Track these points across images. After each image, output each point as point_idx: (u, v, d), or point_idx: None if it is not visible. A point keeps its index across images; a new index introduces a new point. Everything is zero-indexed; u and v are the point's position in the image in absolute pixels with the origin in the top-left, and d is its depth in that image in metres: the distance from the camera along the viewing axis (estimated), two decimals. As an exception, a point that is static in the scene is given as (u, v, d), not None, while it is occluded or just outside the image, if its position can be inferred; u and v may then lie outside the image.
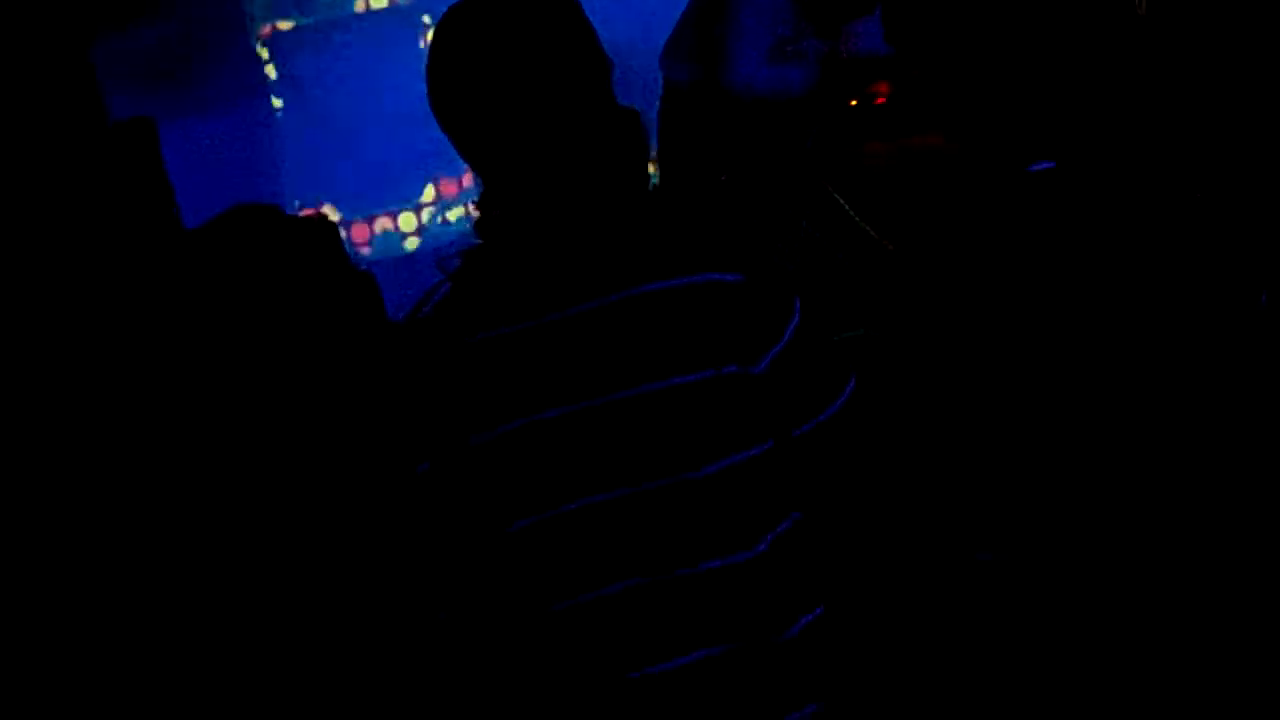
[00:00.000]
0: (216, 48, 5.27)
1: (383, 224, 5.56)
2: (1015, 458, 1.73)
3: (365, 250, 5.47)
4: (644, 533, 1.57)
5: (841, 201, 3.57)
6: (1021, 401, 1.74)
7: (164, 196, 2.46)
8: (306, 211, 4.30)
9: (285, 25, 5.45)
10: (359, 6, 5.49)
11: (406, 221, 5.54)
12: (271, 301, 2.13)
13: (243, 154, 5.25)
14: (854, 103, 4.04)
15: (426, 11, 5.48)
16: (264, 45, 5.42)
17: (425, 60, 1.63)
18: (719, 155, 4.05)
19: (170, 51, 5.20)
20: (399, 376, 1.64)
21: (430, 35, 1.69)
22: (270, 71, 5.43)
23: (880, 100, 4.04)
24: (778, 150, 3.97)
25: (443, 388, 1.60)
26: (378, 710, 1.94)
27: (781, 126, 4.03)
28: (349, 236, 5.35)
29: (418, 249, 5.46)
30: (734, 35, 4.08)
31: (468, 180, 5.49)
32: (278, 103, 5.43)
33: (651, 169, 4.46)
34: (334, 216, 5.37)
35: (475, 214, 1.68)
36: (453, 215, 5.55)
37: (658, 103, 4.32)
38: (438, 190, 5.50)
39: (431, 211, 5.54)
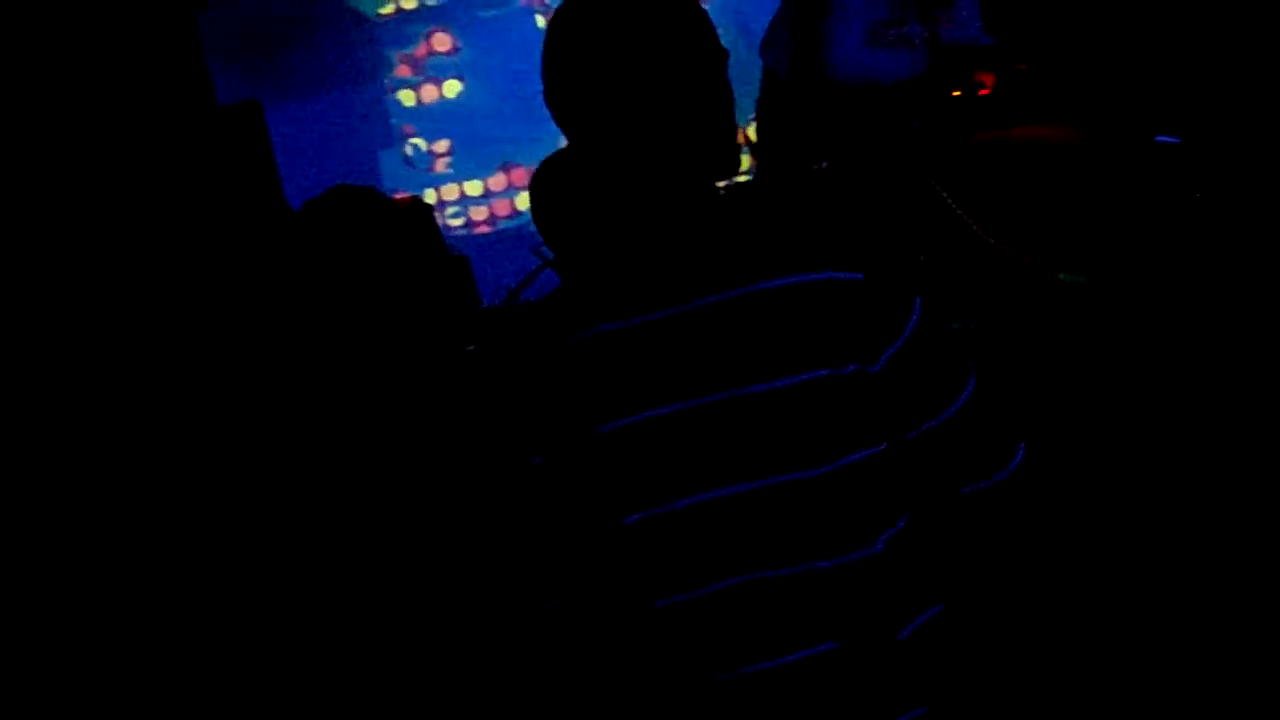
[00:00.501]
0: (322, 27, 5.32)
1: (480, 209, 5.59)
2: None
3: (458, 231, 5.50)
4: (757, 530, 1.56)
5: (944, 194, 3.52)
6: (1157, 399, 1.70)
7: (271, 179, 2.48)
8: (401, 195, 4.32)
9: (386, 11, 5.49)
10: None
11: (522, 201, 5.56)
12: (370, 283, 2.14)
13: (341, 134, 5.30)
14: (958, 94, 3.98)
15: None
16: (370, 27, 5.46)
17: (541, 48, 1.63)
18: (818, 145, 4.02)
19: (276, 28, 5.25)
20: (514, 367, 1.63)
21: (546, 22, 1.68)
22: (375, 54, 5.47)
23: (985, 92, 3.98)
24: (879, 140, 3.93)
25: (559, 380, 1.59)
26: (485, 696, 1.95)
27: (883, 115, 3.99)
28: (442, 220, 5.39)
29: (495, 232, 5.48)
30: (833, 20, 4.04)
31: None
32: (379, 86, 5.47)
33: (746, 162, 4.45)
34: (430, 199, 5.43)
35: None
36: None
37: (757, 93, 4.30)
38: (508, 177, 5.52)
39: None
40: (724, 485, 1.56)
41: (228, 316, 2.28)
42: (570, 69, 1.58)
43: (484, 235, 5.49)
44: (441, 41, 5.50)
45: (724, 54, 1.62)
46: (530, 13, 5.50)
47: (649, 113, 1.56)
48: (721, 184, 1.64)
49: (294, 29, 5.32)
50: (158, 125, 2.55)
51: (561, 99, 1.60)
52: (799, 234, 1.61)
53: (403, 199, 2.48)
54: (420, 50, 5.50)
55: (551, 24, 1.61)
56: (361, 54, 5.45)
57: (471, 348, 2.07)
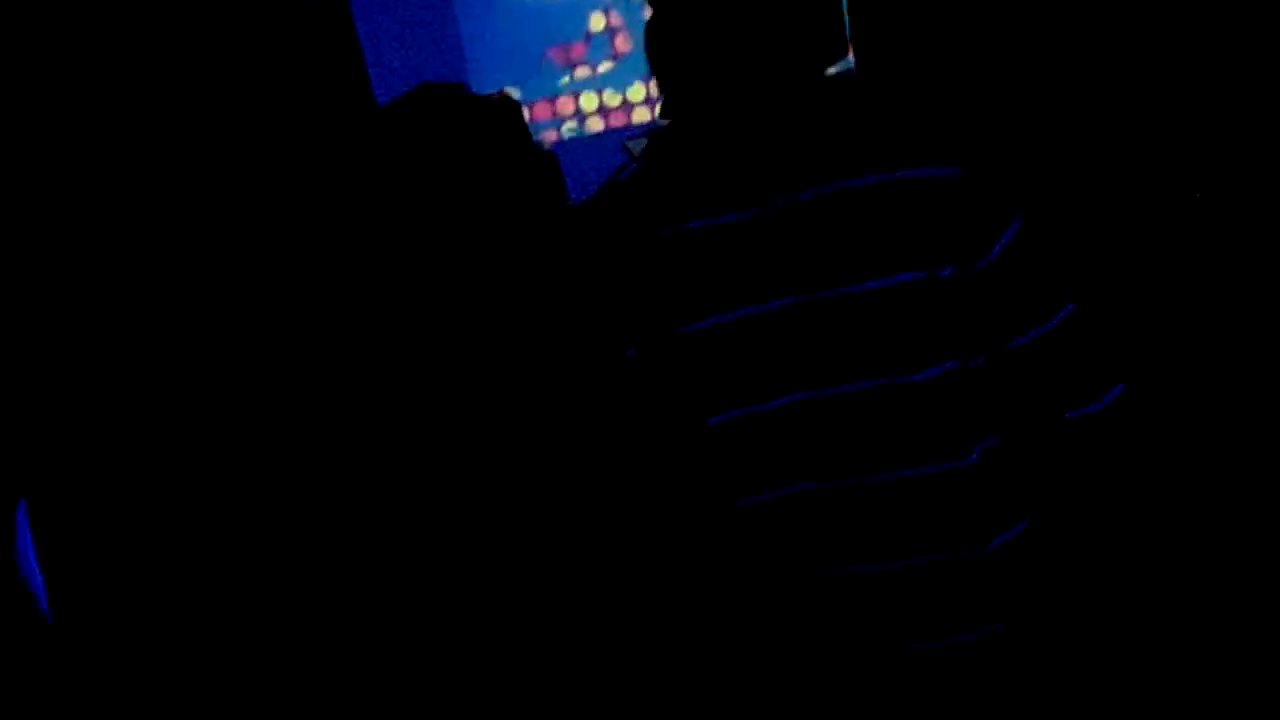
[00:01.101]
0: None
1: (564, 104, 5.55)
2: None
3: (549, 134, 5.47)
4: (848, 434, 1.53)
5: None
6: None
7: (359, 78, 2.47)
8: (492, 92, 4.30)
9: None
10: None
11: (588, 101, 5.52)
12: (460, 181, 2.14)
13: (428, 31, 5.28)
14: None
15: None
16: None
17: None
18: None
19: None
20: (605, 261, 1.62)
21: None
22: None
23: None
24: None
25: (651, 275, 1.58)
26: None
27: None
28: (531, 116, 5.36)
29: (602, 130, 5.46)
30: None
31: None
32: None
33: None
34: (516, 95, 5.40)
35: (660, 97, 1.63)
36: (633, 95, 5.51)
37: None
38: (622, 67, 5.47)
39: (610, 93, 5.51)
40: (817, 387, 1.53)
41: (318, 220, 2.29)
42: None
43: (579, 138, 5.47)
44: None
45: None
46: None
47: (739, 8, 1.53)
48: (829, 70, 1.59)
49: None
50: (245, 24, 2.55)
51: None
52: (895, 128, 1.55)
53: (492, 95, 2.47)
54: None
55: None
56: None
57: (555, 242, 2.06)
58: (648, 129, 4.92)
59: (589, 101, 5.50)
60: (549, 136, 5.38)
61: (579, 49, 5.45)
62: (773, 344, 1.54)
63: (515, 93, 5.38)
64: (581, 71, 5.44)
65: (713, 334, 1.55)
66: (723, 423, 1.55)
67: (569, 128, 5.49)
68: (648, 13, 1.69)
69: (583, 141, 5.39)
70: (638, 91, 5.52)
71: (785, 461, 1.54)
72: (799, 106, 1.55)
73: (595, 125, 5.52)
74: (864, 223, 1.51)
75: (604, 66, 5.41)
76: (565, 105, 5.57)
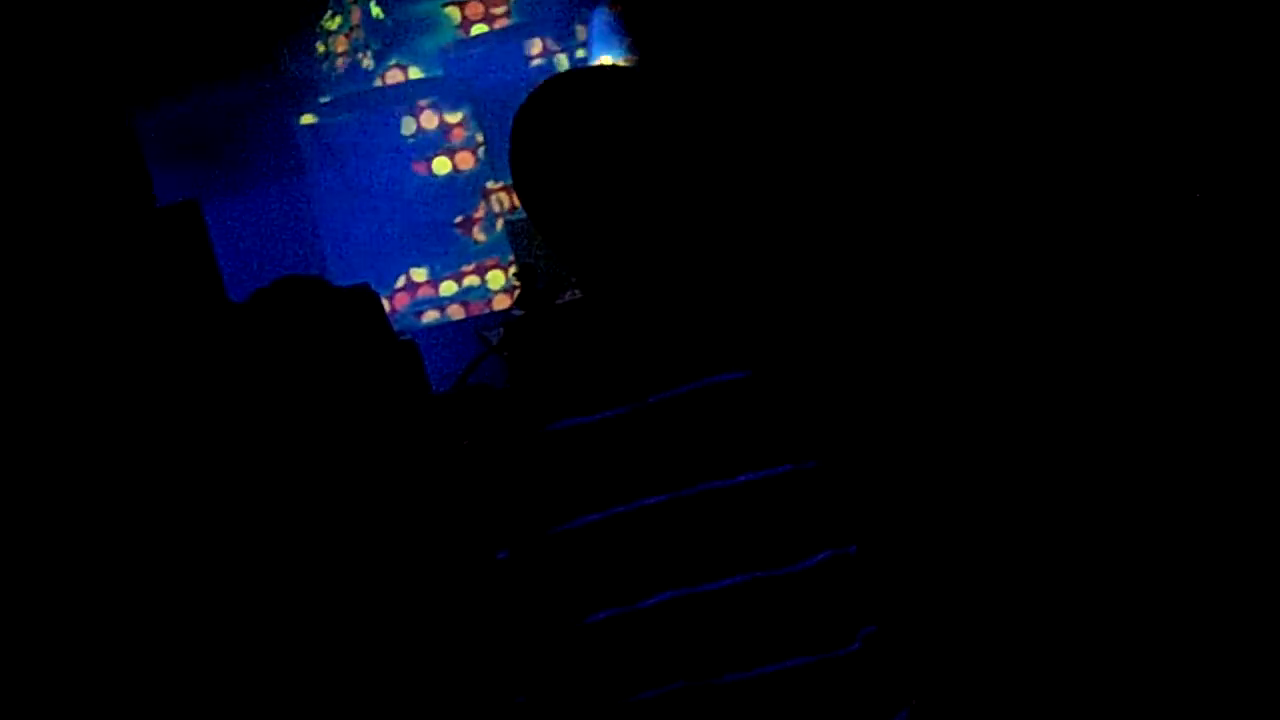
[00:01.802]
0: (256, 124, 5.34)
1: (424, 292, 5.60)
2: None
3: (403, 318, 5.50)
4: (723, 631, 1.52)
5: None
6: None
7: (212, 277, 2.49)
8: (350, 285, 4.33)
9: (323, 102, 5.53)
10: (387, 79, 5.56)
11: (447, 288, 5.58)
12: (320, 372, 2.14)
13: (284, 228, 5.31)
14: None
15: (461, 84, 5.56)
16: (304, 122, 5.49)
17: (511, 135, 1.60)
18: None
19: (213, 126, 5.27)
20: (480, 456, 1.61)
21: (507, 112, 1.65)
22: (311, 148, 5.50)
23: None
24: None
25: (524, 473, 1.56)
26: None
27: None
28: (391, 306, 5.40)
29: (441, 319, 5.50)
30: None
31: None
32: (319, 178, 5.49)
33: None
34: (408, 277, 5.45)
35: (516, 285, 1.66)
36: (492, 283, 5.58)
37: None
38: (478, 259, 5.55)
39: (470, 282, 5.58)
40: (687, 585, 1.52)
41: (178, 415, 2.27)
42: (531, 166, 1.56)
43: (449, 321, 5.50)
44: (408, 124, 5.55)
45: (699, 145, 1.59)
46: (473, 100, 5.56)
47: (613, 209, 1.53)
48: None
49: (243, 122, 5.35)
50: (97, 230, 2.57)
51: (526, 197, 1.58)
52: (762, 324, 1.60)
53: (350, 288, 2.49)
54: (387, 135, 5.56)
55: (520, 113, 1.58)
56: (317, 142, 5.49)
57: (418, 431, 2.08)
58: (502, 319, 4.98)
59: (448, 289, 5.56)
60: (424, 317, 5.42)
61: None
62: (644, 542, 1.53)
63: (399, 283, 5.42)
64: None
65: (585, 534, 1.54)
66: (598, 623, 1.53)
67: (430, 316, 5.53)
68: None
69: (443, 329, 5.42)
70: (496, 279, 5.60)
71: (662, 660, 1.52)
72: (669, 298, 1.57)
73: (456, 313, 5.57)
74: (729, 418, 1.52)
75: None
76: (425, 293, 5.62)
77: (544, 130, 1.55)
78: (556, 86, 1.58)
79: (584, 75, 1.64)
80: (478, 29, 5.63)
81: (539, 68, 5.57)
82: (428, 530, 2.06)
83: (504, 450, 1.56)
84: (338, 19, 5.41)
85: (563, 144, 1.53)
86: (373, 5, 5.48)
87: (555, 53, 5.63)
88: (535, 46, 5.60)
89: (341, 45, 5.48)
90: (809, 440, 1.54)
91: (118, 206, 2.60)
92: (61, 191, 2.53)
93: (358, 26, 5.52)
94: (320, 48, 5.43)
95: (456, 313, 5.52)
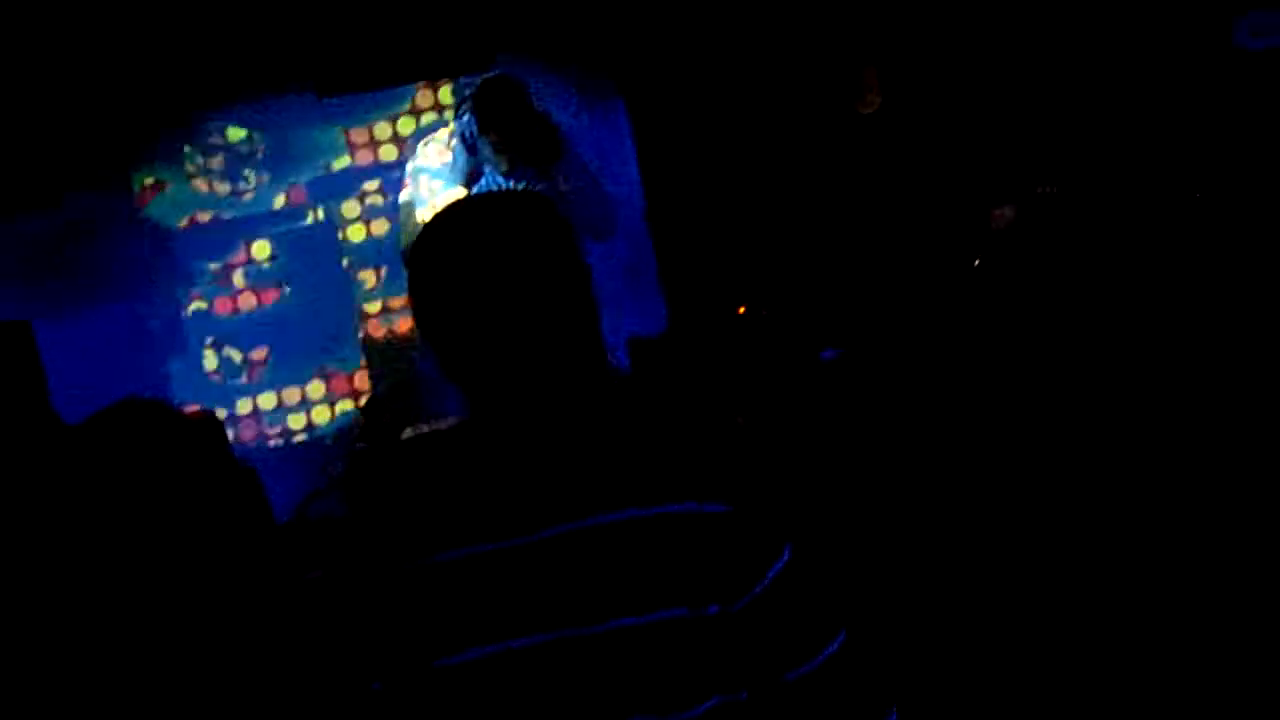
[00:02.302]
0: (104, 241, 5.27)
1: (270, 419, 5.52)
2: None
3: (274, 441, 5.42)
4: None
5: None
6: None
7: (39, 397, 2.43)
8: (192, 408, 4.25)
9: (185, 221, 5.47)
10: (268, 205, 5.54)
11: (295, 420, 5.51)
12: (156, 499, 2.09)
13: (128, 348, 5.21)
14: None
15: (327, 213, 5.57)
16: (153, 239, 5.43)
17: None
18: None
19: (58, 243, 5.19)
20: (350, 591, 1.55)
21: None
22: (174, 263, 5.44)
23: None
24: None
25: (403, 606, 1.50)
26: None
27: None
28: (235, 433, 5.30)
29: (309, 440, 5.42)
30: None
31: (359, 380, 5.51)
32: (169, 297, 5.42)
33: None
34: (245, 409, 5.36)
35: (361, 417, 1.63)
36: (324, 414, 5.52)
37: None
38: (327, 385, 5.49)
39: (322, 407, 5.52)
40: None
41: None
42: (436, 288, 1.55)
43: (298, 444, 5.41)
44: (259, 249, 5.52)
45: (588, 269, 1.59)
46: (332, 227, 5.56)
47: (515, 333, 1.52)
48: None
49: (87, 238, 5.27)
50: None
51: (428, 316, 1.56)
52: (661, 457, 1.55)
53: (193, 412, 2.45)
54: (232, 259, 5.51)
55: (419, 240, 1.58)
56: (161, 263, 5.42)
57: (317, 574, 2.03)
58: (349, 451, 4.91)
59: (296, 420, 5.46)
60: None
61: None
62: (534, 678, 1.48)
63: (221, 412, 5.32)
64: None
65: (468, 669, 1.48)
66: None
67: (275, 440, 5.44)
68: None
69: (290, 451, 5.32)
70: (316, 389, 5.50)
71: None
72: (566, 434, 1.54)
73: (301, 437, 5.48)
74: (628, 557, 1.48)
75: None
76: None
77: (444, 255, 1.55)
78: (457, 212, 1.60)
79: (484, 201, 1.69)
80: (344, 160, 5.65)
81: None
82: (275, 664, 2.00)
83: (383, 581, 1.52)
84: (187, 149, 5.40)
85: (461, 268, 1.53)
86: (230, 130, 5.47)
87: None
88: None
89: (195, 168, 5.45)
90: (703, 585, 1.49)
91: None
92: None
93: (219, 150, 5.50)
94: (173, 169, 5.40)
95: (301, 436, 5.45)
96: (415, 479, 1.58)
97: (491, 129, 4.46)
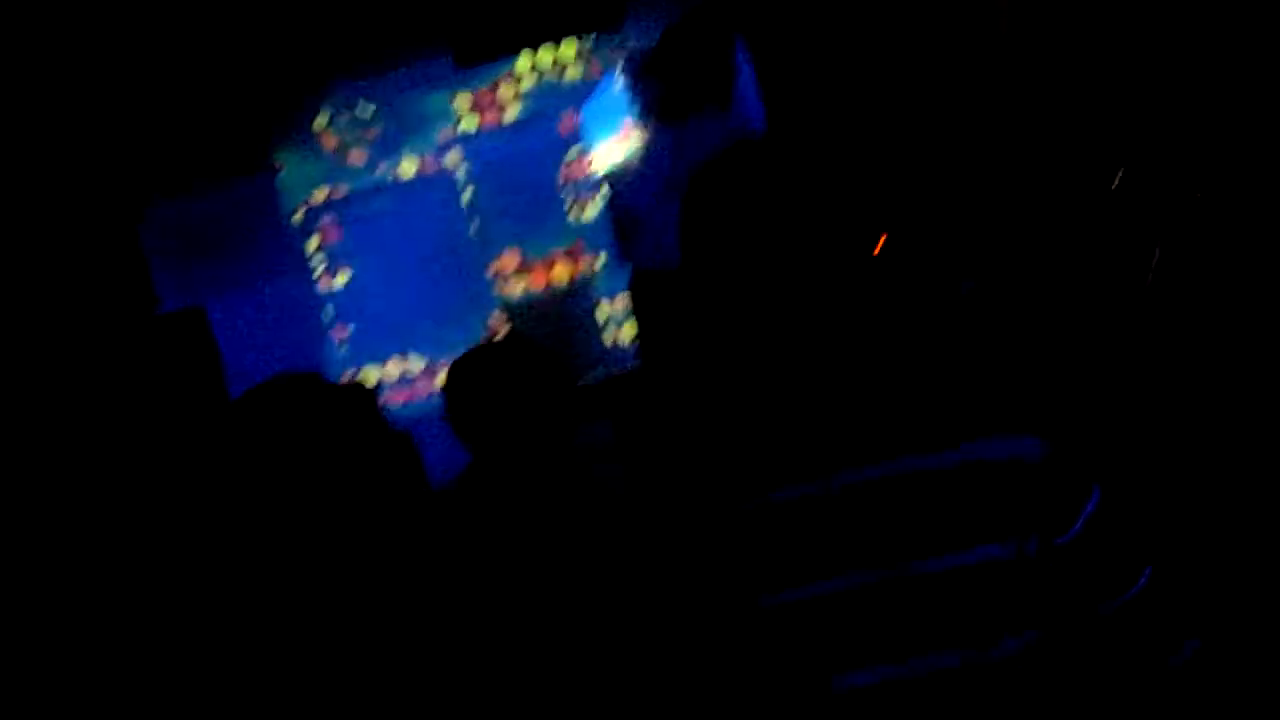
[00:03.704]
0: (254, 222, 5.41)
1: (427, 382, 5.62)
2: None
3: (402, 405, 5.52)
4: (928, 709, 1.50)
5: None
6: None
7: (216, 379, 2.51)
8: (344, 377, 4.36)
9: (320, 196, 5.59)
10: (392, 175, 5.63)
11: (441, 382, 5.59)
12: (314, 468, 2.16)
13: (286, 321, 5.35)
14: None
15: (457, 177, 5.64)
16: (301, 220, 5.56)
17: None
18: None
19: (213, 226, 5.34)
20: (679, 528, 1.57)
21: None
22: (312, 244, 5.56)
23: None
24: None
25: (727, 547, 1.54)
26: None
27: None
28: (391, 396, 5.42)
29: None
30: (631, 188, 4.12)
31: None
32: (317, 272, 5.55)
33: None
34: (405, 367, 5.47)
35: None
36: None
37: None
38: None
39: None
40: (892, 662, 1.51)
41: (183, 516, 2.29)
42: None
43: (429, 406, 5.52)
44: (358, 230, 5.61)
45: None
46: (455, 188, 5.64)
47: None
48: None
49: (235, 225, 5.42)
50: (106, 338, 2.61)
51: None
52: (981, 395, 1.58)
53: (343, 383, 2.51)
54: (342, 235, 5.61)
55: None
56: (292, 245, 5.54)
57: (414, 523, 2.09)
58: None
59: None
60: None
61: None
62: (856, 619, 1.52)
63: (374, 376, 5.44)
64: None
65: (789, 609, 1.52)
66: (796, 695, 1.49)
67: (420, 402, 5.55)
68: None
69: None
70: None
71: None
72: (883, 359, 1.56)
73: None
74: (954, 496, 1.52)
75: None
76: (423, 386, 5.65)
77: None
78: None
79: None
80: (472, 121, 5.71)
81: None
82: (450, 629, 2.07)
83: (708, 518, 1.55)
84: (325, 118, 5.49)
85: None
86: (360, 104, 5.57)
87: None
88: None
89: (331, 143, 5.56)
90: (1022, 524, 1.52)
91: (121, 311, 2.64)
92: (67, 294, 2.58)
93: (352, 126, 5.61)
94: (312, 147, 5.51)
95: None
96: (718, 417, 1.59)
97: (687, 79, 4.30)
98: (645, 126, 4.48)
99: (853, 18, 5.20)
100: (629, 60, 4.65)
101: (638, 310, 4.53)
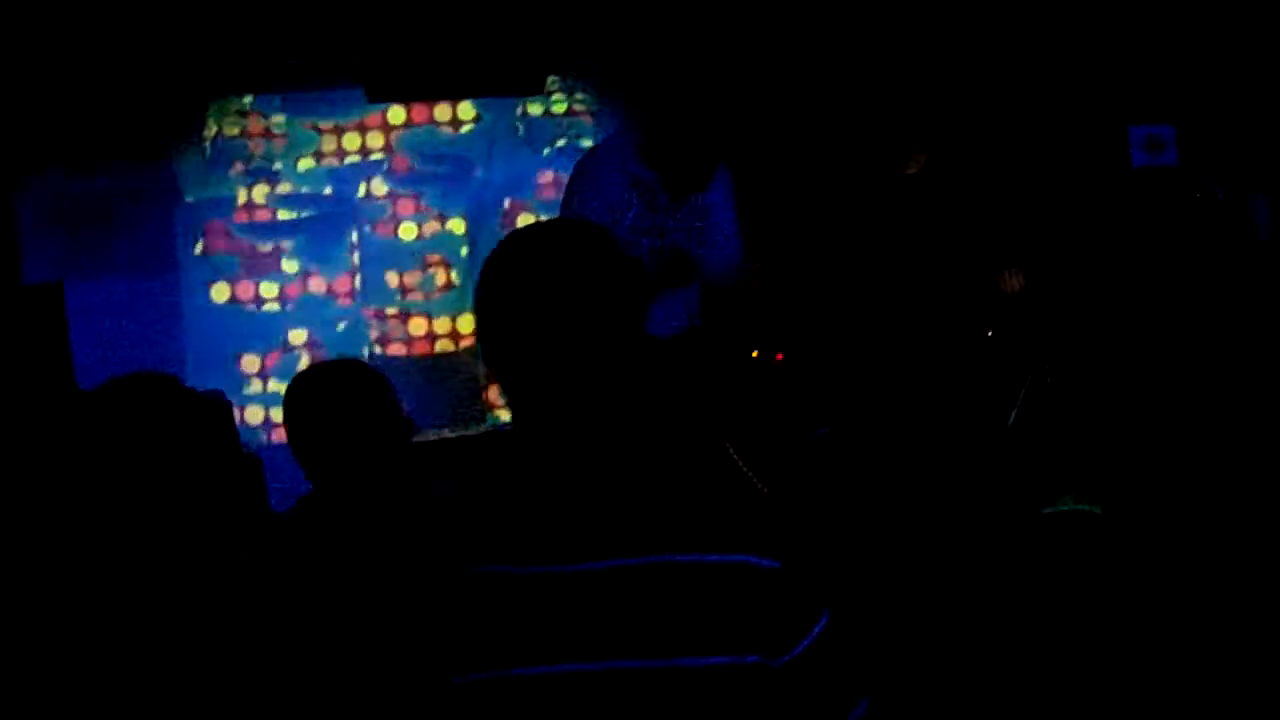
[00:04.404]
0: (140, 211, 5.30)
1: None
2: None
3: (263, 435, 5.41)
4: None
5: (734, 455, 3.63)
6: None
7: (63, 359, 2.45)
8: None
9: (213, 200, 5.50)
10: (291, 193, 5.56)
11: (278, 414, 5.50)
12: (155, 473, 2.11)
13: (154, 319, 5.23)
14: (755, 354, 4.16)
15: (354, 203, 5.59)
16: (187, 217, 5.46)
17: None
18: None
19: (94, 206, 5.22)
20: (385, 591, 1.54)
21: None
22: (198, 248, 5.46)
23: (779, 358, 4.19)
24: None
25: (432, 615, 1.50)
26: None
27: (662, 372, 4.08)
28: (241, 419, 5.30)
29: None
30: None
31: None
32: (193, 274, 5.44)
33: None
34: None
35: None
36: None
37: None
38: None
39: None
40: None
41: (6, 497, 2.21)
42: (495, 321, 1.59)
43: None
44: (289, 238, 5.53)
45: (642, 305, 1.61)
46: (355, 216, 5.59)
47: (569, 368, 1.55)
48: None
49: (118, 209, 5.30)
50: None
51: (492, 336, 1.59)
52: (717, 506, 1.57)
53: (201, 392, 2.46)
54: (239, 243, 5.52)
55: (489, 264, 1.61)
56: (181, 243, 5.44)
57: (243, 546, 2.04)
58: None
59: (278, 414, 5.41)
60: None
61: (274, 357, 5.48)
62: (551, 710, 1.48)
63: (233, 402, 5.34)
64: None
65: (488, 688, 1.47)
66: None
67: (280, 434, 5.44)
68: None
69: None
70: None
71: None
72: (623, 469, 1.56)
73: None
74: (672, 600, 1.50)
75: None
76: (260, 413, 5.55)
77: (510, 282, 1.59)
78: (525, 240, 1.64)
79: (553, 230, 1.77)
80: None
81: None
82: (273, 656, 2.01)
83: (418, 585, 1.50)
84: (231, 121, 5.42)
85: (526, 295, 1.56)
86: (274, 116, 5.51)
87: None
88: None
89: (235, 149, 5.48)
90: (749, 636, 1.50)
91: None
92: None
93: (262, 136, 5.53)
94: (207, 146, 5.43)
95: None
96: (474, 484, 1.57)
97: (676, 159, 4.12)
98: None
99: (772, 140, 5.29)
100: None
101: None
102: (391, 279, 5.61)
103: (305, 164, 5.56)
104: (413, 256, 5.61)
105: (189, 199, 5.47)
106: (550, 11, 5.33)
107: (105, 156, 5.16)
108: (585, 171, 4.24)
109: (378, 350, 5.59)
